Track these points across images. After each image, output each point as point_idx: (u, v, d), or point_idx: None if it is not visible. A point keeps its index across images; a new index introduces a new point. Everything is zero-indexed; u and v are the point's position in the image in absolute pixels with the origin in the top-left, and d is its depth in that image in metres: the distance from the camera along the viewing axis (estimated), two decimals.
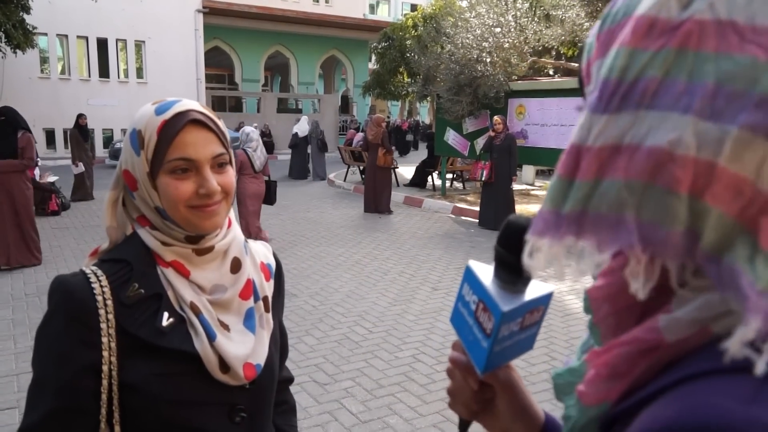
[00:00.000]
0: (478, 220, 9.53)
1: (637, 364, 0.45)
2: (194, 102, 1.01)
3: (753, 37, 0.39)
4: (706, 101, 0.39)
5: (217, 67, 29.49)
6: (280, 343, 1.17)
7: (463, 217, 10.33)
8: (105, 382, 0.93)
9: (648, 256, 0.42)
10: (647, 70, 0.42)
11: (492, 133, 9.00)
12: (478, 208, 9.64)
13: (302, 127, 15.59)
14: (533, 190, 13.66)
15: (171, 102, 0.99)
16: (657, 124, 0.41)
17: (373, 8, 33.98)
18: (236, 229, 1.10)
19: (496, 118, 9.00)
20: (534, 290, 0.61)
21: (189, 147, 0.96)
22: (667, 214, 0.40)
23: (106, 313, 0.93)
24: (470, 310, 0.62)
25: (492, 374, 0.65)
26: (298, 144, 15.61)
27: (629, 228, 0.41)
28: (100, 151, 15.80)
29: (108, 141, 21.66)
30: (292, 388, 1.35)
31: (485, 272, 0.62)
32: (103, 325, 0.93)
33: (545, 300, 0.63)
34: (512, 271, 0.59)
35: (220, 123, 1.02)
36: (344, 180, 14.71)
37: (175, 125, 0.96)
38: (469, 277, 0.63)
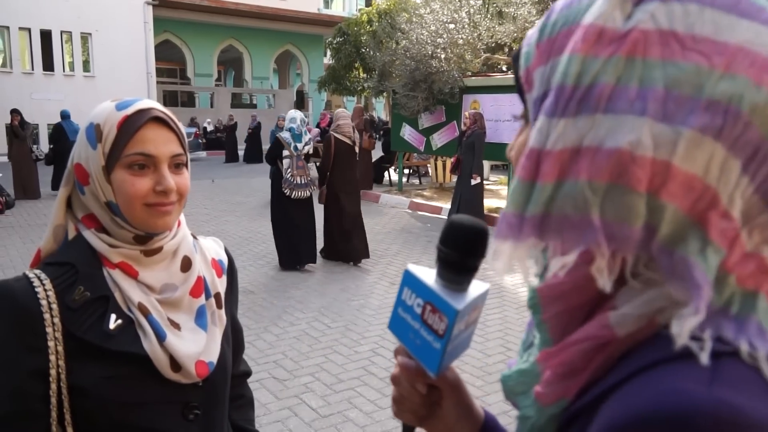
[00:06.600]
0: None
1: (592, 360, 0.47)
2: (156, 102, 1.02)
3: (693, 45, 0.42)
4: (659, 105, 0.42)
5: (168, 61, 28.78)
6: (233, 338, 1.18)
7: (419, 212, 10.39)
8: (54, 386, 0.92)
9: (611, 252, 0.44)
10: (600, 76, 0.44)
11: (463, 128, 8.97)
12: (434, 203, 9.63)
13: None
14: (488, 184, 13.85)
15: (133, 100, 0.99)
16: (615, 127, 0.43)
17: (327, 3, 33.70)
18: (185, 230, 1.10)
19: (465, 113, 8.87)
20: (475, 288, 0.61)
21: (149, 143, 0.96)
22: (629, 212, 0.42)
23: (52, 317, 0.92)
24: (415, 313, 0.61)
25: (441, 376, 0.65)
26: None
27: (595, 227, 0.43)
28: (45, 147, 15.11)
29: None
30: (252, 385, 1.36)
31: (427, 275, 0.62)
32: (49, 329, 0.91)
33: (484, 297, 0.63)
34: (457, 270, 0.60)
35: (181, 126, 1.03)
36: None
37: (136, 121, 0.96)
38: (410, 280, 0.62)
